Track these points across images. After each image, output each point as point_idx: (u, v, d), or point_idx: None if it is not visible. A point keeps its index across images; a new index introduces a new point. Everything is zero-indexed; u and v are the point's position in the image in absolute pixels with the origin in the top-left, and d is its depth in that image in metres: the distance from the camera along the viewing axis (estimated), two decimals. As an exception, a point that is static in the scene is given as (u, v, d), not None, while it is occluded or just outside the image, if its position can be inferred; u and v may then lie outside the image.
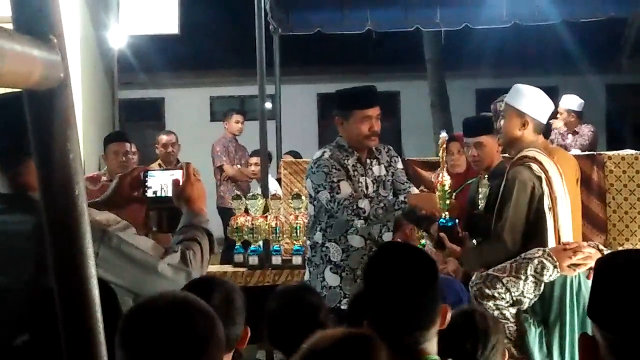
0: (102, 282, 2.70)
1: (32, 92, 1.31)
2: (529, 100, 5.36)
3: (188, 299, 2.37)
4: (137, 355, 2.24)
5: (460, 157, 7.39)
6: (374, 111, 6.15)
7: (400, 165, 6.45)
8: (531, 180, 5.08)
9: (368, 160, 6.27)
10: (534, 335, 4.37)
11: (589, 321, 3.81)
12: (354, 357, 2.45)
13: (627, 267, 1.90)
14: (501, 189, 5.22)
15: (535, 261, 4.26)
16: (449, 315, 3.00)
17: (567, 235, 5.07)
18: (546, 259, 4.26)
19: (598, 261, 2.02)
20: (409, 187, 6.38)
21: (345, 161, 6.26)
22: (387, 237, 6.29)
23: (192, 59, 20.42)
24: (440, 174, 5.66)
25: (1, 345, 2.75)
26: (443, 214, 5.60)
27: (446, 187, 5.58)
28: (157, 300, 2.39)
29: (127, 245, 3.06)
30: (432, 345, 2.92)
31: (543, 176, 5.09)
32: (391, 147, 6.54)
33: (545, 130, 5.71)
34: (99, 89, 14.02)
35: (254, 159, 10.77)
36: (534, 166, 5.11)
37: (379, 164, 6.29)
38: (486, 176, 6.51)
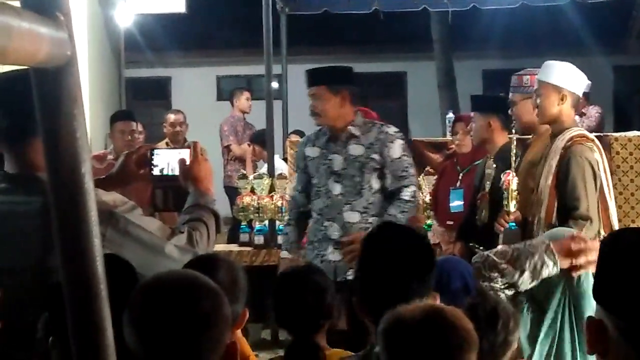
0: (121, 260, 2.71)
1: (39, 70, 1.31)
2: (564, 73, 5.34)
3: (195, 276, 2.38)
4: (145, 332, 2.26)
5: (465, 137, 7.38)
6: (311, 91, 6.26)
7: (395, 154, 6.12)
8: (596, 162, 5.11)
9: (345, 139, 6.22)
10: (524, 320, 4.36)
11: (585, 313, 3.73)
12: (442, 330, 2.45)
13: (633, 247, 1.86)
14: (562, 165, 5.20)
15: (537, 256, 4.22)
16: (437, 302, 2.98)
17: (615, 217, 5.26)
18: (548, 255, 4.22)
19: (602, 242, 1.98)
20: (407, 183, 6.12)
21: (312, 145, 6.34)
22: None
23: (198, 38, 20.39)
24: (511, 173, 5.57)
25: (10, 325, 2.75)
26: (511, 217, 5.50)
27: (513, 187, 5.51)
28: (164, 277, 2.41)
29: (134, 226, 3.05)
30: None
31: (600, 160, 5.13)
32: (389, 131, 6.21)
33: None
34: (106, 68, 14.02)
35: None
36: (595, 149, 5.15)
37: (359, 143, 6.17)
38: (492, 157, 6.50)
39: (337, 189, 6.14)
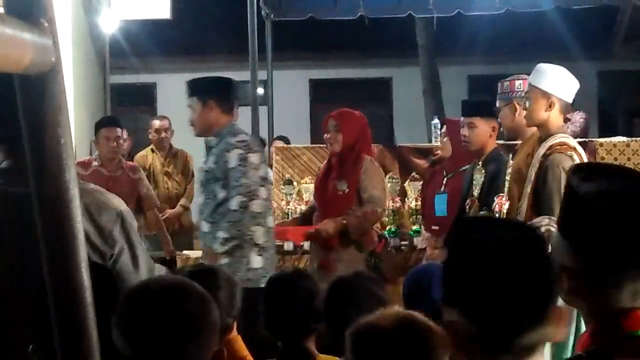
0: (99, 266, 2.72)
1: (24, 77, 1.30)
2: (553, 79, 5.32)
3: (182, 281, 2.40)
4: (132, 335, 2.27)
5: (445, 142, 7.40)
6: (188, 102, 6.31)
7: (231, 164, 6.07)
8: None
9: (208, 150, 6.28)
10: None
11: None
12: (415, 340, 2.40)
13: (483, 247, 1.81)
14: (540, 175, 5.17)
15: (543, 229, 4.22)
16: None
17: None
18: (553, 226, 4.23)
19: (449, 234, 1.92)
20: (234, 193, 6.02)
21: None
22: None
23: (184, 44, 20.36)
24: (504, 197, 5.58)
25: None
26: None
27: (504, 210, 5.52)
28: (152, 282, 2.43)
29: (134, 233, 3.08)
30: None
31: None
32: (230, 141, 6.13)
33: None
34: (91, 74, 13.99)
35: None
36: (576, 157, 5.09)
37: (212, 154, 6.20)
38: (480, 163, 6.51)
39: (201, 199, 6.30)
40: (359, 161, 6.62)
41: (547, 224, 4.28)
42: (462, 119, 6.70)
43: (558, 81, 5.34)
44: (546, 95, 5.30)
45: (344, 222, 6.49)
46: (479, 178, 6.28)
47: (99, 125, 8.26)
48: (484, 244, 1.79)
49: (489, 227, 1.84)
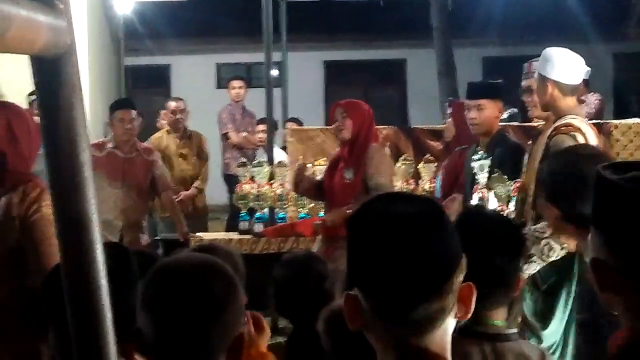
0: (116, 245, 2.72)
1: (39, 59, 1.30)
2: (549, 62, 5.30)
3: (213, 262, 2.39)
4: (157, 314, 2.27)
5: (449, 123, 7.39)
6: None
7: None
8: None
9: None
10: (529, 304, 4.39)
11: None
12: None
13: (379, 224, 1.80)
14: (545, 156, 5.16)
15: (543, 242, 4.24)
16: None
17: None
18: (554, 240, 4.24)
19: (350, 217, 1.92)
20: None
21: None
22: None
23: (198, 25, 20.36)
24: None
25: None
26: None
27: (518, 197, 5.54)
28: (182, 260, 2.43)
29: None
30: None
31: None
32: None
33: None
34: (105, 56, 14.01)
35: (261, 127, 10.74)
36: (580, 137, 5.06)
37: None
38: (477, 147, 6.49)
39: None
40: (366, 149, 6.59)
41: (548, 237, 4.27)
42: (466, 101, 6.69)
43: (553, 64, 5.30)
44: (543, 78, 5.29)
45: (348, 211, 6.46)
46: (480, 162, 6.29)
47: (114, 107, 8.27)
48: (379, 218, 1.80)
49: (390, 202, 1.84)
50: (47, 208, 3.57)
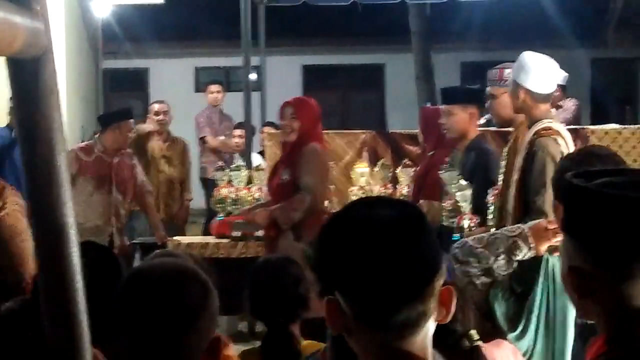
0: (100, 247, 2.71)
1: (16, 61, 1.30)
2: (524, 70, 5.29)
3: (185, 267, 2.38)
4: (131, 320, 2.26)
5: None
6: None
7: None
8: (558, 154, 5.04)
9: None
10: (500, 304, 4.41)
11: (560, 296, 3.79)
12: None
13: (352, 229, 1.80)
14: (527, 160, 5.17)
15: (510, 240, 4.26)
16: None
17: None
18: (522, 239, 4.25)
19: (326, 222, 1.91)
20: None
21: None
22: None
23: (177, 29, 20.33)
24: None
25: None
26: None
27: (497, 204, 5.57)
28: (155, 267, 2.42)
29: None
30: None
31: (566, 152, 5.08)
32: None
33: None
34: (83, 59, 13.97)
35: (238, 132, 10.74)
36: (560, 141, 5.08)
37: None
38: (453, 152, 6.55)
39: None
40: (303, 149, 6.56)
41: (516, 236, 4.28)
42: (442, 107, 6.74)
43: (523, 70, 5.31)
44: (515, 83, 5.31)
45: (271, 212, 6.44)
46: (452, 174, 6.36)
47: (121, 117, 8.28)
48: (361, 223, 1.80)
49: (371, 206, 1.85)
50: (11, 204, 3.55)
